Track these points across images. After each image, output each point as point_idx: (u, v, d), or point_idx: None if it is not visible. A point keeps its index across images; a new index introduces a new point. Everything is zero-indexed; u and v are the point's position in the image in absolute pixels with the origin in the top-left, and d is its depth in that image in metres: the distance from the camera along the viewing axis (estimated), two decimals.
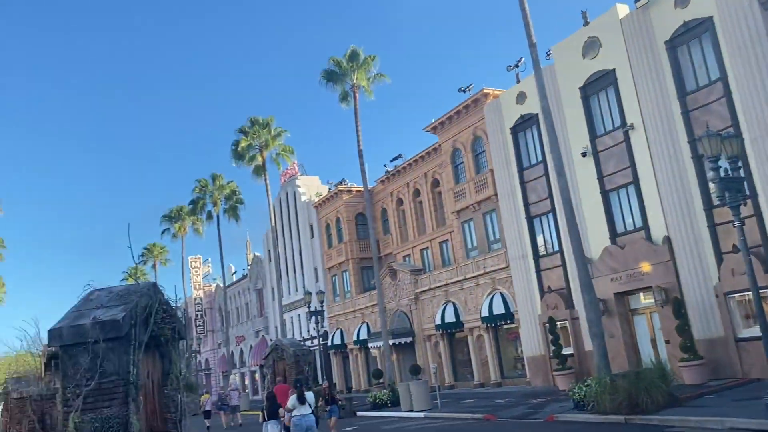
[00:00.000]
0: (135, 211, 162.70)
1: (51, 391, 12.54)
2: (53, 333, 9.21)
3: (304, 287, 47.15)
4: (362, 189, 43.28)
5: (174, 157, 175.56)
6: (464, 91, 32.36)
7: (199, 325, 68.89)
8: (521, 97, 28.17)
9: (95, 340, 8.69)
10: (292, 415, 11.89)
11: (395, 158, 41.08)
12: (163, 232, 61.45)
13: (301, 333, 49.60)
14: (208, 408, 29.70)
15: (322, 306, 34.97)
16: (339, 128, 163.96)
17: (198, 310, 69.15)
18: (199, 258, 70.22)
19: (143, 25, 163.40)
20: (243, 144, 40.68)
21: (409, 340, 35.56)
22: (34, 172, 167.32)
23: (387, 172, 40.91)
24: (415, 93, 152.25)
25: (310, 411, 12.09)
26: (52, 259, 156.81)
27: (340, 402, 17.74)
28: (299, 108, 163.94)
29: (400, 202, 40.53)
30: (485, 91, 31.03)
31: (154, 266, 75.51)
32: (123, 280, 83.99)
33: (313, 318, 33.84)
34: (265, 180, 41.37)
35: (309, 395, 12.37)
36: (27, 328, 10.87)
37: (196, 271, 69.47)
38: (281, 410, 12.86)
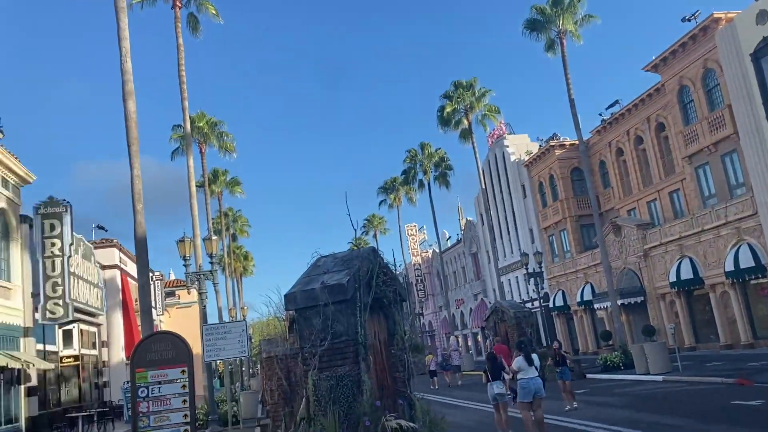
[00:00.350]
0: (354, 185, 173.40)
1: (293, 351, 13.45)
2: (288, 297, 9.78)
3: (519, 249, 46.22)
4: (576, 142, 40.88)
5: (386, 131, 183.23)
6: (689, 20, 28.67)
7: (420, 290, 71.48)
8: (763, 16, 24.07)
9: (325, 303, 9.06)
10: (519, 377, 11.47)
11: (611, 105, 38.11)
12: (380, 204, 64.42)
13: (519, 295, 48.86)
14: (432, 368, 30.42)
15: (540, 267, 33.90)
16: (546, 81, 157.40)
17: (417, 275, 71.72)
18: (415, 226, 72.58)
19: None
20: (448, 109, 40.62)
21: (639, 299, 33.03)
22: (270, 160, 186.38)
23: (603, 121, 38.07)
24: (628, 31, 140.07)
25: (537, 373, 11.57)
26: (287, 235, 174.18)
27: (570, 363, 16.84)
28: (502, 66, 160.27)
29: (620, 152, 37.55)
30: (715, 15, 27.11)
31: (374, 236, 79.90)
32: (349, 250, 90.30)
33: (532, 280, 32.93)
34: (472, 143, 40.97)
35: (535, 357, 11.85)
36: (272, 296, 11.80)
37: (413, 239, 71.96)
38: (504, 373, 12.47)
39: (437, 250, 68.27)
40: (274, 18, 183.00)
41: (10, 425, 21.39)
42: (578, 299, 38.79)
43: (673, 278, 29.94)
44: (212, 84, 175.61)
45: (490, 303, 49.07)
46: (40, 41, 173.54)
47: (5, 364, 19.14)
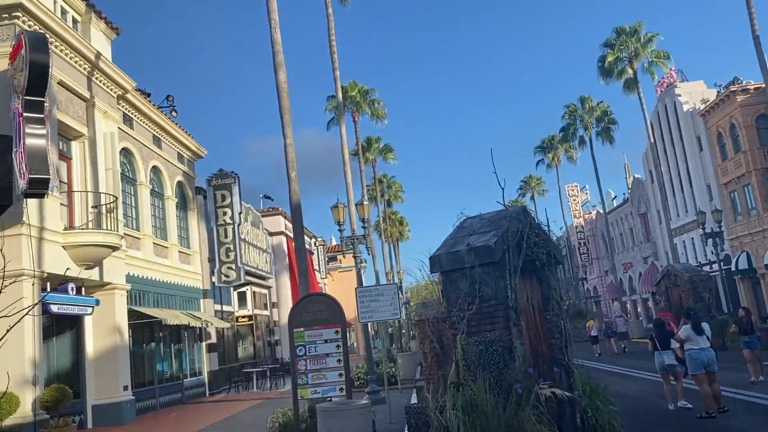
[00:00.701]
0: (509, 146, 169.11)
1: (444, 314, 13.24)
2: (433, 260, 9.50)
3: (695, 207, 42.21)
4: (762, 85, 36.22)
5: (541, 87, 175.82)
6: None
7: (583, 253, 68.36)
8: None
9: (471, 266, 8.66)
10: (687, 348, 10.29)
11: None
12: (537, 164, 62.11)
13: (696, 258, 44.84)
14: (594, 333, 29.15)
15: (719, 227, 30.64)
16: (723, 18, 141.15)
17: (580, 238, 68.59)
18: (576, 186, 69.23)
19: None
20: (609, 58, 37.58)
21: None
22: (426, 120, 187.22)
23: None
24: None
25: (709, 344, 10.33)
26: (441, 200, 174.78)
27: (758, 333, 14.97)
28: (670, 5, 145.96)
29: None
30: None
31: (532, 198, 77.43)
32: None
33: (710, 240, 29.90)
34: (638, 93, 37.66)
35: (705, 326, 10.57)
36: (423, 259, 11.66)
37: (574, 200, 68.74)
38: (673, 340, 11.29)
39: (601, 211, 64.70)
40: None
41: (195, 378, 23.67)
42: (766, 261, 34.65)
43: None
44: (360, 51, 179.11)
45: (661, 266, 45.57)
46: (211, 26, 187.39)
47: (187, 323, 21.06)
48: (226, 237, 26.21)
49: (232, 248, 26.18)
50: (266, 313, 36.33)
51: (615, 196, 66.77)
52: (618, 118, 59.22)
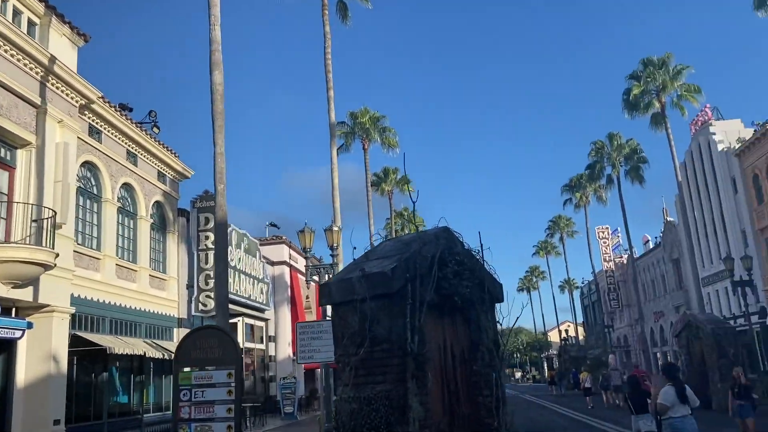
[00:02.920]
0: (538, 184, 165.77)
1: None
2: (323, 289, 7.60)
3: (729, 254, 39.05)
4: None
5: (567, 124, 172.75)
6: None
7: (613, 299, 64.91)
8: None
9: (362, 298, 6.75)
10: (668, 415, 8.09)
11: None
12: (565, 203, 59.64)
13: (730, 309, 41.44)
14: (588, 385, 28.55)
15: (749, 275, 27.82)
16: (762, 52, 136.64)
17: (610, 283, 65.20)
18: (607, 228, 66.15)
19: None
20: (635, 91, 35.34)
21: None
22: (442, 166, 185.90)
23: None
24: None
25: (691, 412, 8.11)
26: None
27: (755, 398, 12.51)
28: (702, 43, 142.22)
29: None
30: None
31: (561, 239, 74.52)
32: (534, 254, 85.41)
33: (739, 289, 27.07)
34: (666, 129, 35.31)
35: (689, 391, 8.35)
36: None
37: (604, 242, 65.62)
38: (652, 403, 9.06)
39: (632, 255, 61.47)
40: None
41: (159, 413, 21.88)
42: None
43: None
44: (366, 76, 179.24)
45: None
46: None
47: (143, 353, 19.40)
48: (206, 263, 24.67)
49: (212, 275, 24.60)
50: (261, 347, 34.53)
51: (648, 240, 63.41)
52: (649, 156, 56.19)
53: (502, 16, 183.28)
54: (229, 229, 24.96)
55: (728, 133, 41.01)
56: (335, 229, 15.69)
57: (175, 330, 23.33)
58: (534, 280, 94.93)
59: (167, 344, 21.74)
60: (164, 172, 23.90)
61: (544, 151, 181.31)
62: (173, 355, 9.21)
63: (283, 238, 38.29)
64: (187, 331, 23.73)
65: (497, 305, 8.73)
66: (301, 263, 40.67)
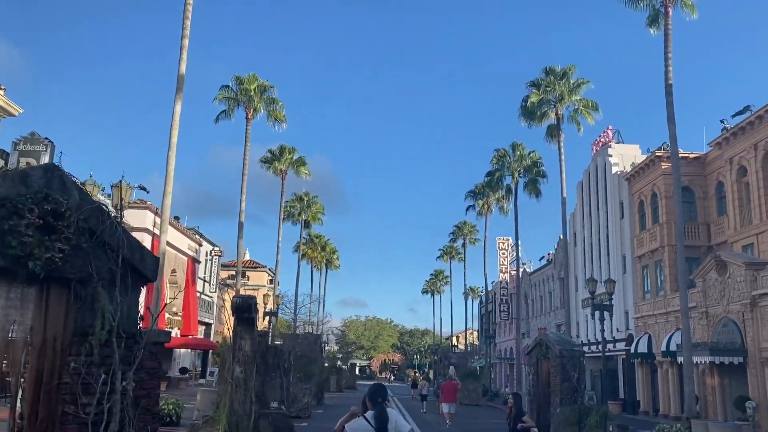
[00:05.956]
0: (444, 185, 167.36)
1: None
2: None
3: (609, 278, 38.80)
4: (691, 155, 33.43)
5: (485, 127, 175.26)
6: None
7: (503, 311, 64.77)
8: None
9: None
10: None
11: (740, 112, 30.22)
12: (467, 209, 58.83)
13: (605, 333, 41.30)
14: (424, 392, 33.63)
15: (610, 299, 27.15)
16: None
17: (503, 295, 65.02)
18: (508, 240, 65.81)
19: None
20: (533, 99, 34.23)
21: (738, 360, 25.30)
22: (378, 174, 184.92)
23: (725, 129, 30.36)
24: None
25: None
26: (382, 241, 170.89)
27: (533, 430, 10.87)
28: (622, 68, 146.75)
29: (742, 171, 29.67)
30: None
31: (464, 245, 74.05)
32: (438, 257, 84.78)
33: (597, 313, 26.30)
34: (559, 143, 34.43)
35: (393, 415, 6.45)
36: None
37: (503, 253, 65.35)
38: None
39: (524, 270, 61.48)
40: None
41: None
42: (663, 347, 31.16)
43: None
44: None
45: (572, 337, 41.96)
46: None
47: None
48: None
49: None
50: None
51: (543, 257, 63.55)
52: (552, 171, 55.87)
53: (417, 20, 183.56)
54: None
55: (625, 156, 40.84)
56: (124, 186, 13.17)
57: None
58: (438, 284, 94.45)
59: None
60: None
61: (457, 150, 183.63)
62: None
63: (148, 203, 35.23)
64: None
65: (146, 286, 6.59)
66: (172, 235, 37.82)
